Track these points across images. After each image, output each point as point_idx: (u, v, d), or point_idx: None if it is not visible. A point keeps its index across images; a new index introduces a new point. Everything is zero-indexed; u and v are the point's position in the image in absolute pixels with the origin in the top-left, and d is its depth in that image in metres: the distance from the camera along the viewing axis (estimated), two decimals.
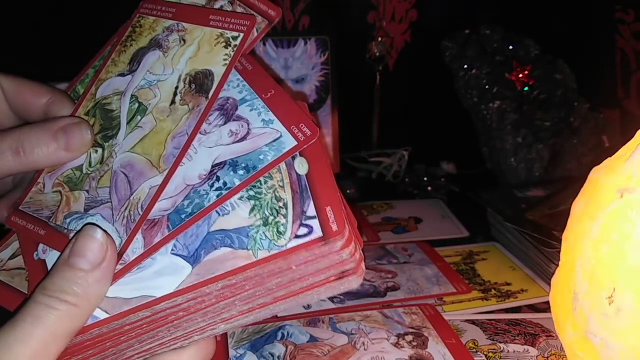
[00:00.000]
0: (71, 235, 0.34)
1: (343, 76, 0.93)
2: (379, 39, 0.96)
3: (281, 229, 0.32)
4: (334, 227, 0.31)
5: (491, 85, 0.92)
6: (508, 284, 0.65)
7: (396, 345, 0.52)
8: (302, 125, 0.35)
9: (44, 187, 0.38)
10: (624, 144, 0.41)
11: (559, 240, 0.46)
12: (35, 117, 0.40)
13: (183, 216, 0.33)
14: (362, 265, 0.33)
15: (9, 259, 0.37)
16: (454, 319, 0.58)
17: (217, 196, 0.33)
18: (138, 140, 0.37)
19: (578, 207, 0.43)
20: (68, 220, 0.35)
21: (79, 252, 0.31)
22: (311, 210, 0.33)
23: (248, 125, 0.36)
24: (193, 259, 0.32)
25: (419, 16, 0.97)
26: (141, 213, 0.33)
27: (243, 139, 0.36)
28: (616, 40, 0.98)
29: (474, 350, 0.53)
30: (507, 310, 0.60)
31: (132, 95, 0.40)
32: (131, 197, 0.34)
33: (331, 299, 0.60)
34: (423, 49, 1.00)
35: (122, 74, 0.42)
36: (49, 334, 0.29)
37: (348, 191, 0.90)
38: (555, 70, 0.94)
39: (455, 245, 0.75)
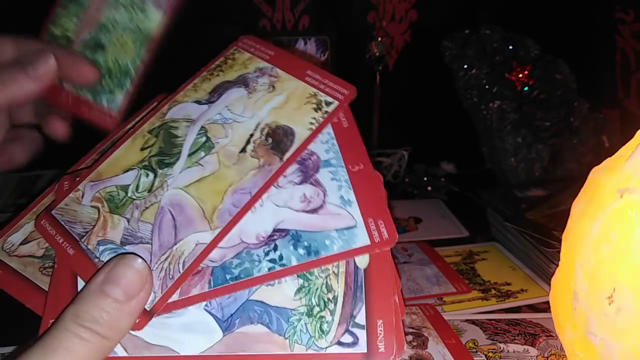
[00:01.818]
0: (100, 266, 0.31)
1: (343, 76, 0.93)
2: (379, 39, 0.96)
3: (325, 327, 0.29)
4: (381, 348, 0.28)
5: (491, 85, 0.92)
6: (508, 284, 0.65)
7: None
8: (381, 224, 0.31)
9: (82, 196, 0.35)
10: (624, 144, 0.41)
11: (559, 240, 0.46)
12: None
13: (228, 277, 0.30)
14: None
15: (21, 243, 0.35)
16: (454, 319, 0.58)
17: (269, 269, 0.30)
18: (195, 180, 0.34)
19: (578, 207, 0.43)
20: (101, 248, 0.32)
21: (115, 280, 0.29)
22: (361, 317, 0.29)
23: (324, 196, 0.33)
24: (226, 324, 0.30)
25: (419, 16, 0.97)
26: (181, 271, 0.30)
27: (314, 211, 0.32)
28: (616, 40, 0.98)
29: (474, 350, 0.53)
30: (507, 310, 0.60)
31: (202, 127, 0.37)
32: (174, 248, 0.31)
33: None
34: (423, 49, 0.99)
35: (198, 101, 0.39)
36: None
37: None
38: (555, 70, 0.94)
39: (455, 245, 0.75)
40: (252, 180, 0.33)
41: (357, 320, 0.29)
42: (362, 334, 0.29)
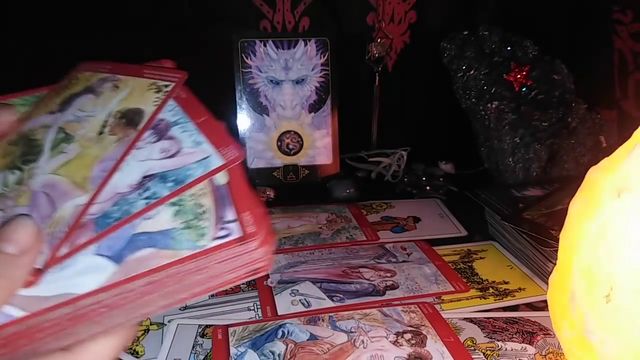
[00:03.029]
0: None
1: (343, 77, 0.94)
2: (379, 40, 0.96)
3: (202, 231, 0.34)
4: (251, 230, 0.34)
5: (489, 86, 0.93)
6: (506, 283, 0.65)
7: (395, 343, 0.53)
8: (229, 148, 0.38)
9: None
10: (622, 144, 0.42)
11: (557, 240, 0.46)
12: None
13: (110, 220, 0.34)
14: (272, 262, 0.35)
15: None
16: (452, 317, 0.58)
17: (146, 204, 0.35)
18: (61, 163, 0.38)
19: (575, 206, 0.44)
20: None
21: (7, 237, 0.31)
22: (230, 216, 0.35)
23: (179, 144, 0.39)
24: (117, 258, 0.33)
25: (418, 18, 0.98)
26: (67, 230, 0.34)
27: (173, 156, 0.38)
28: (614, 41, 0.98)
29: (472, 348, 0.53)
30: (505, 309, 0.61)
31: (59, 128, 0.41)
32: (54, 215, 0.35)
33: (331, 297, 0.60)
34: (422, 50, 1.00)
35: (51, 112, 0.43)
36: None
37: (348, 191, 0.90)
38: (553, 71, 0.94)
39: (453, 244, 0.75)
40: (114, 150, 0.38)
41: (227, 218, 0.35)
42: (233, 226, 0.34)
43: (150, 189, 0.36)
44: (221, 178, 0.37)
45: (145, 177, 0.37)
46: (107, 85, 0.44)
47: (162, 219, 0.35)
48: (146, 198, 0.35)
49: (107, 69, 0.46)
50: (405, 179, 0.96)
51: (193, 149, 0.38)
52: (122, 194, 0.36)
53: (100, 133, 0.40)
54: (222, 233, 0.34)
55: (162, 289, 0.33)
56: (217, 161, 0.37)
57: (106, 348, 0.33)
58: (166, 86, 0.43)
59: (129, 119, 0.40)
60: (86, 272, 0.33)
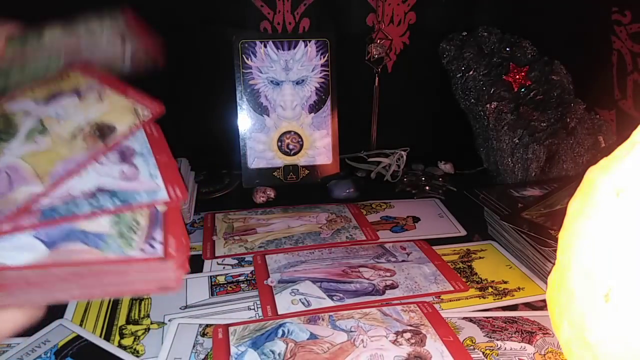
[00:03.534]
0: None
1: (343, 78, 0.94)
2: (378, 41, 0.96)
3: (132, 243, 0.38)
4: (172, 252, 0.38)
5: (488, 87, 0.93)
6: (505, 282, 0.66)
7: (395, 342, 0.53)
8: (176, 188, 0.43)
9: None
10: (620, 145, 0.42)
11: (556, 239, 0.46)
12: None
13: (55, 215, 0.38)
14: (180, 285, 0.41)
15: None
16: (451, 316, 0.58)
17: (91, 211, 0.39)
18: (30, 152, 0.43)
19: (574, 206, 0.44)
20: None
21: None
22: (158, 237, 0.39)
23: (137, 171, 0.44)
24: (50, 244, 0.37)
25: (418, 19, 0.98)
26: (15, 211, 0.38)
27: (129, 180, 0.43)
28: (612, 42, 0.98)
29: (472, 347, 0.53)
30: (504, 308, 0.61)
31: (39, 119, 0.46)
32: (8, 195, 0.39)
33: (331, 297, 0.61)
34: (421, 51, 1.00)
35: (36, 101, 0.48)
36: None
37: (348, 191, 0.90)
38: (551, 72, 0.95)
39: (452, 244, 0.75)
40: (80, 156, 0.43)
41: (156, 238, 0.39)
42: (159, 246, 0.38)
43: (99, 200, 0.40)
44: (161, 207, 0.42)
45: (99, 189, 0.41)
46: (92, 94, 0.49)
47: (101, 223, 0.39)
48: (92, 206, 0.40)
49: (98, 77, 0.51)
50: (405, 179, 0.96)
51: (148, 180, 0.43)
52: (74, 196, 0.40)
53: (74, 137, 0.45)
54: (148, 248, 0.38)
55: (80, 281, 0.37)
56: (162, 195, 0.42)
57: (10, 321, 0.36)
58: (144, 115, 0.49)
59: (102, 133, 0.45)
60: (21, 249, 0.36)
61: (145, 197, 0.42)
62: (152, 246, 0.39)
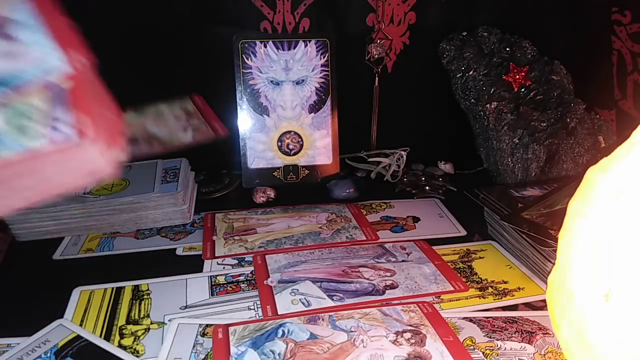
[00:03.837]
0: None
1: (343, 78, 0.94)
2: (378, 41, 0.96)
3: (35, 133, 0.32)
4: (90, 134, 0.32)
5: (488, 87, 0.93)
6: (505, 282, 0.66)
7: (395, 342, 0.53)
8: (80, 54, 0.36)
9: None
10: (620, 145, 0.42)
11: (556, 239, 0.46)
12: None
13: None
14: (115, 166, 0.34)
15: None
16: (451, 316, 0.58)
17: None
18: None
19: (574, 206, 0.44)
20: None
21: None
22: (65, 117, 0.33)
23: (22, 46, 0.36)
24: None
25: (418, 19, 0.98)
26: None
27: (10, 57, 0.35)
28: (612, 42, 0.98)
29: (472, 347, 0.53)
30: (504, 308, 0.61)
31: None
32: None
33: (331, 297, 0.61)
34: (421, 51, 1.00)
35: None
36: None
37: (348, 191, 0.90)
38: (551, 72, 0.94)
39: (452, 244, 0.75)
40: None
41: (64, 120, 0.33)
42: (70, 130, 0.32)
43: None
44: (64, 82, 0.35)
45: None
46: None
47: None
48: None
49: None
50: (405, 179, 0.96)
51: (36, 52, 0.36)
52: None
53: None
54: (58, 136, 0.32)
55: None
56: (60, 66, 0.35)
57: None
58: None
59: None
60: None
61: (37, 72, 0.35)
62: (59, 130, 0.33)
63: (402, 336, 0.54)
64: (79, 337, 0.54)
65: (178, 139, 0.53)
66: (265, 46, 0.90)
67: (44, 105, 0.34)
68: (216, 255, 0.71)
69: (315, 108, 0.93)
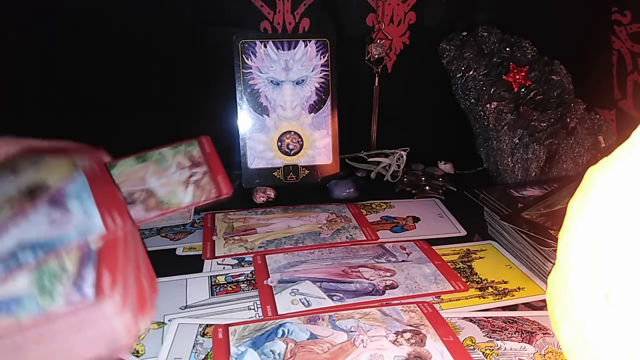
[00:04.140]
0: None
1: (343, 78, 0.94)
2: (378, 41, 0.96)
3: (55, 295, 0.31)
4: (106, 291, 0.30)
5: (488, 87, 0.93)
6: (505, 282, 0.66)
7: (395, 342, 0.53)
8: (116, 215, 0.37)
9: None
10: (620, 145, 0.42)
11: (556, 239, 0.46)
12: None
13: None
14: (135, 336, 0.31)
15: None
16: (451, 316, 0.58)
17: (4, 272, 0.33)
18: None
19: (574, 206, 0.44)
20: None
21: None
22: (90, 276, 0.32)
23: (70, 214, 0.38)
24: None
25: (418, 19, 0.98)
26: None
27: (58, 224, 0.37)
28: (612, 42, 0.98)
29: (472, 347, 0.53)
30: (504, 308, 0.61)
31: None
32: None
33: (331, 297, 0.61)
34: (421, 51, 1.00)
35: None
36: None
37: (348, 191, 0.90)
38: (551, 72, 0.94)
39: (452, 244, 0.75)
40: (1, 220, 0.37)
41: (86, 280, 0.32)
42: (90, 289, 0.31)
43: (18, 258, 0.34)
44: (95, 243, 0.35)
45: (19, 245, 0.35)
46: (28, 164, 0.44)
47: (17, 283, 0.32)
48: (8, 267, 0.33)
49: (40, 150, 0.46)
50: (405, 179, 0.96)
51: (80, 218, 0.37)
52: None
53: (1, 209, 0.39)
54: (75, 297, 0.31)
55: None
56: (97, 228, 0.36)
57: None
58: (83, 164, 0.44)
59: (33, 193, 0.40)
60: None
61: (76, 235, 0.35)
62: (80, 290, 0.31)
63: (402, 336, 0.54)
64: None
65: (177, 199, 0.51)
66: (265, 46, 0.90)
67: (73, 266, 0.34)
68: (216, 255, 0.71)
69: (315, 108, 0.93)
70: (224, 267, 0.68)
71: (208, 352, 0.52)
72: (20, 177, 0.43)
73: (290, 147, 0.94)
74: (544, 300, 0.53)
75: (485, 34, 0.97)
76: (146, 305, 0.33)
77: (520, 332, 0.56)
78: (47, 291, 0.32)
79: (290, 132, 0.93)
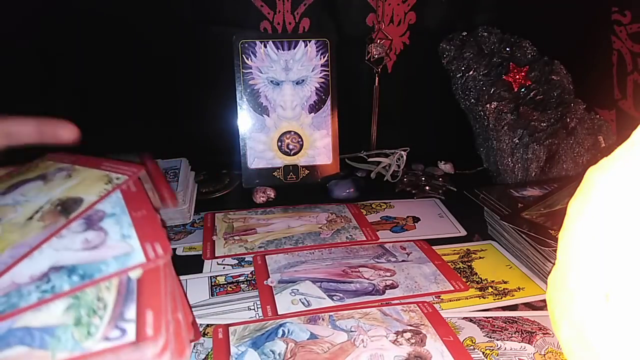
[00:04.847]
0: None
1: (343, 78, 0.94)
2: (378, 41, 0.96)
3: (92, 330, 0.30)
4: (150, 333, 0.29)
5: (488, 87, 0.93)
6: (505, 282, 0.66)
7: (395, 342, 0.53)
8: (157, 244, 0.35)
9: None
10: (620, 145, 0.42)
11: (556, 239, 0.46)
12: None
13: None
14: None
15: None
16: (451, 316, 0.58)
17: (39, 298, 0.32)
18: None
19: (574, 206, 0.44)
20: None
21: None
22: (131, 313, 0.31)
23: (106, 236, 0.37)
24: None
25: (418, 19, 0.98)
26: None
27: (94, 248, 0.35)
28: (612, 42, 0.98)
29: (472, 347, 0.53)
30: (504, 308, 0.61)
31: None
32: None
33: (331, 297, 0.61)
34: (421, 51, 1.00)
35: None
36: None
37: (348, 191, 0.90)
38: (551, 72, 0.95)
39: (452, 244, 0.75)
40: (33, 237, 0.36)
41: (126, 316, 0.30)
42: (130, 327, 0.30)
43: (51, 281, 0.33)
44: (135, 273, 0.34)
45: (52, 268, 0.34)
46: (60, 174, 0.44)
47: (51, 312, 0.31)
48: (43, 292, 0.32)
49: (70, 160, 0.46)
50: (405, 179, 0.96)
51: (118, 242, 0.36)
52: (19, 284, 0.33)
53: (30, 218, 0.38)
54: (115, 334, 0.30)
55: None
56: (137, 258, 0.35)
57: None
58: (118, 179, 0.43)
59: (66, 207, 0.39)
60: None
61: (114, 264, 0.34)
62: (120, 328, 0.30)
63: (402, 336, 0.54)
64: None
65: None
66: (265, 46, 0.90)
67: (114, 299, 0.32)
68: (216, 255, 0.71)
69: (315, 108, 0.93)
70: (224, 267, 0.68)
71: (208, 352, 0.52)
72: (52, 186, 0.42)
73: (290, 147, 0.94)
74: (544, 300, 0.53)
75: (485, 34, 0.97)
76: (184, 347, 0.32)
77: (520, 332, 0.56)
78: (83, 324, 0.31)
79: (290, 132, 0.93)
